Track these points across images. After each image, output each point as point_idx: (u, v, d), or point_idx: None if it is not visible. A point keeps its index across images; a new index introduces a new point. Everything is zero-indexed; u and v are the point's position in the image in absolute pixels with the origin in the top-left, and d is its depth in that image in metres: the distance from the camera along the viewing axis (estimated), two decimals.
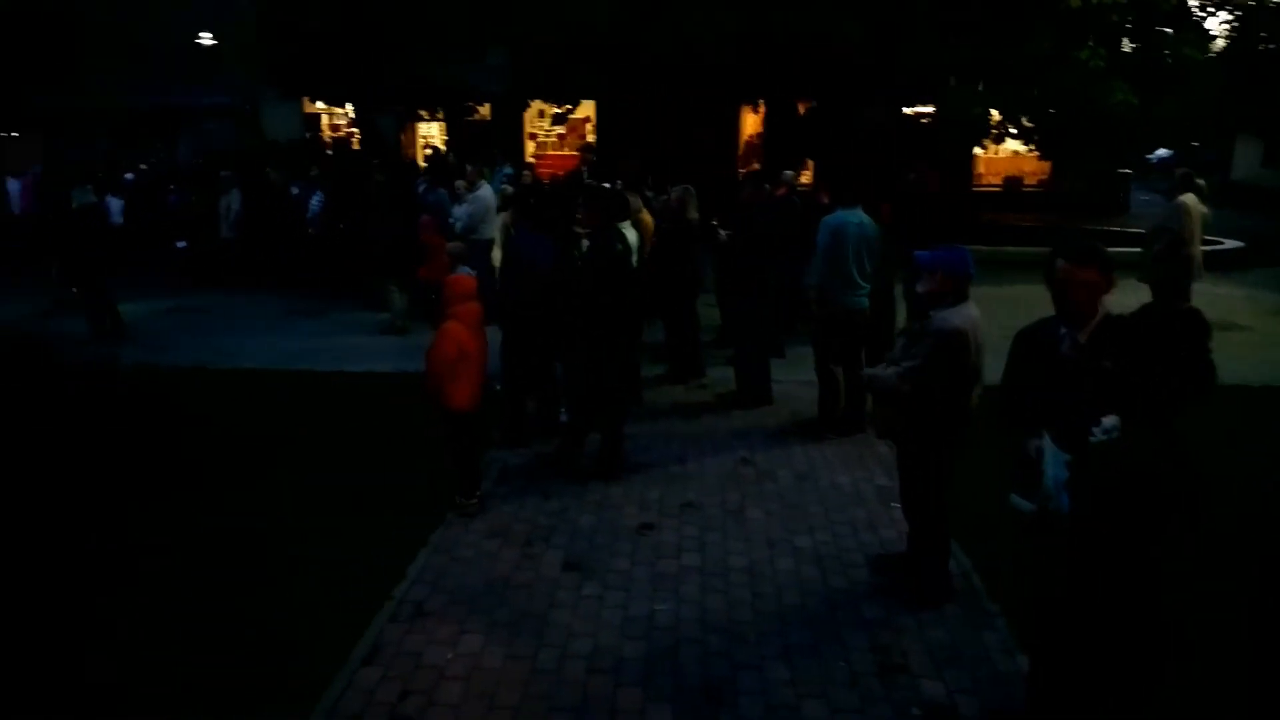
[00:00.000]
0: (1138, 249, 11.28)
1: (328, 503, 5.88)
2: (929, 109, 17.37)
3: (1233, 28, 21.14)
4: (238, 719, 3.90)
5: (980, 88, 14.97)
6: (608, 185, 9.95)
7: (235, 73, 20.06)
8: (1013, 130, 17.13)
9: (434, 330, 5.75)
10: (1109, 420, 3.03)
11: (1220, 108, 21.66)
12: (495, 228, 10.18)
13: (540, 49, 15.41)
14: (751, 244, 8.00)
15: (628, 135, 20.32)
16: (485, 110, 21.07)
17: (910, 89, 16.16)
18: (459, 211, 10.80)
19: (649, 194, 10.43)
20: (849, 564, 5.21)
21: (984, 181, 24.72)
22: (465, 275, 5.91)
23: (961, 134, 16.45)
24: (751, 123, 23.37)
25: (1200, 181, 10.68)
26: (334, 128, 25.28)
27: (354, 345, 10.20)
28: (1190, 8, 15.95)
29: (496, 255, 9.34)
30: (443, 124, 23.07)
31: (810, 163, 18.38)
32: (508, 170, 13.67)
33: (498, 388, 6.86)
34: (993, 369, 4.29)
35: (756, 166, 16.63)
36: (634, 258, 7.13)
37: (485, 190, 10.95)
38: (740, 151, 23.57)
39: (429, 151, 19.55)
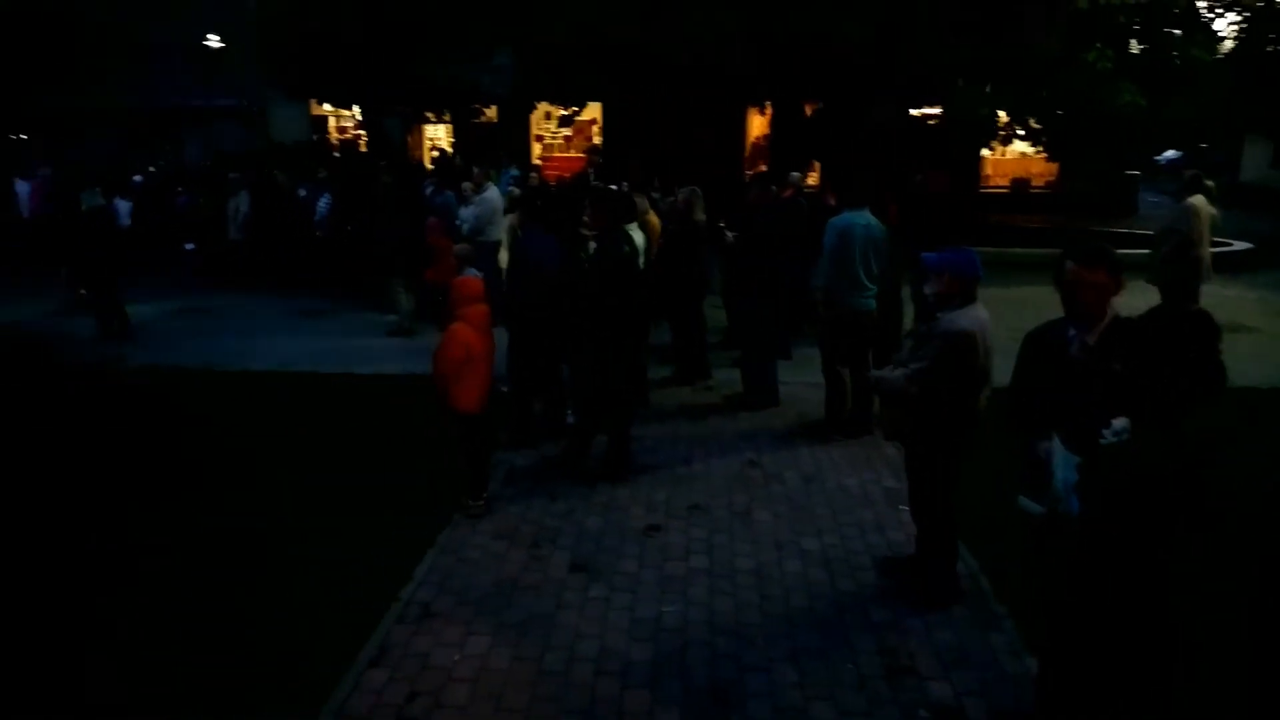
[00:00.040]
0: (1146, 251, 11.24)
1: (333, 503, 5.89)
2: (936, 110, 17.35)
3: (1241, 29, 21.04)
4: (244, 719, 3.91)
5: (988, 89, 14.94)
6: (614, 187, 9.97)
7: (242, 75, 20.13)
8: (1020, 131, 17.10)
9: (441, 332, 5.76)
10: (1119, 423, 3.03)
11: (1229, 109, 21.55)
12: (502, 229, 10.22)
13: (546, 51, 15.41)
14: (752, 244, 8.00)
15: (634, 137, 20.33)
16: (492, 112, 21.08)
17: (917, 90, 16.13)
18: (466, 213, 10.82)
19: (655, 195, 10.43)
20: (856, 566, 5.20)
21: (991, 183, 24.67)
22: (472, 277, 5.92)
23: (969, 135, 16.43)
24: (758, 124, 23.34)
25: (1209, 183, 10.63)
26: (341, 130, 25.34)
27: (361, 347, 10.22)
28: (1199, 9, 15.90)
29: (503, 257, 9.39)
30: (449, 126, 23.11)
31: (816, 164, 18.37)
32: (514, 172, 13.69)
33: (504, 389, 6.86)
34: (1000, 371, 4.29)
35: (763, 168, 16.64)
36: (641, 259, 7.13)
37: (492, 192, 10.97)
38: (746, 153, 23.57)
39: (436, 154, 19.59)
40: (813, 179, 17.63)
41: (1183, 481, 2.93)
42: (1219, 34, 17.22)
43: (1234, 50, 20.67)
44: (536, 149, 24.22)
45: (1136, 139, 16.65)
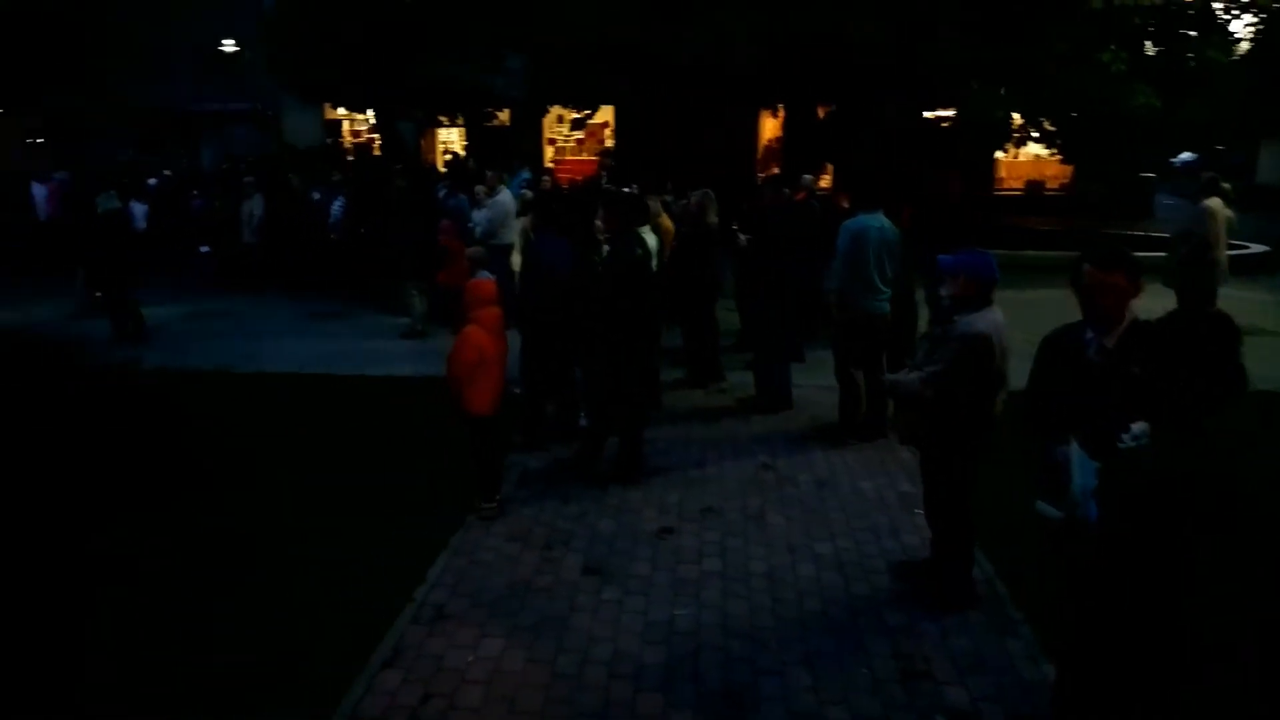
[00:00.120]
0: (1162, 253, 11.17)
1: (345, 505, 5.90)
2: (950, 112, 17.30)
3: (1258, 30, 20.90)
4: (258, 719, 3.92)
5: (1002, 91, 14.88)
6: (627, 190, 9.96)
7: (257, 79, 20.26)
8: (1034, 134, 17.02)
9: (454, 335, 5.76)
10: (1138, 427, 3.00)
11: (1245, 111, 21.43)
12: (515, 232, 10.23)
13: (558, 54, 15.45)
14: (763, 246, 7.98)
15: (646, 140, 20.35)
16: (504, 116, 21.16)
17: (931, 92, 16.09)
18: (479, 216, 10.85)
19: (668, 198, 10.43)
20: (871, 570, 5.17)
21: (1006, 185, 24.60)
22: (485, 280, 5.92)
23: (983, 137, 16.36)
24: (770, 126, 23.36)
25: (1226, 185, 10.57)
26: (355, 133, 25.49)
27: (374, 349, 10.25)
28: (1214, 10, 15.78)
29: (516, 260, 9.39)
30: (462, 130, 23.20)
31: (829, 167, 18.35)
32: (526, 175, 13.71)
33: (517, 391, 6.87)
34: (1016, 374, 4.26)
35: (776, 170, 16.62)
36: (653, 262, 7.13)
37: (505, 195, 10.99)
38: (759, 155, 23.56)
39: (449, 157, 19.68)
40: (825, 181, 17.60)
41: (1206, 486, 2.90)
42: (1235, 35, 17.08)
43: (1250, 52, 20.53)
44: (549, 152, 24.31)
45: (1151, 141, 16.56)
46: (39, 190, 15.84)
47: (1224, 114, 19.28)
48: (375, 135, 22.83)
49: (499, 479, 6.00)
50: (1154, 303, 4.30)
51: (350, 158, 21.95)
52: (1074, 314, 3.62)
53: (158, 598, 4.81)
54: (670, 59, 14.68)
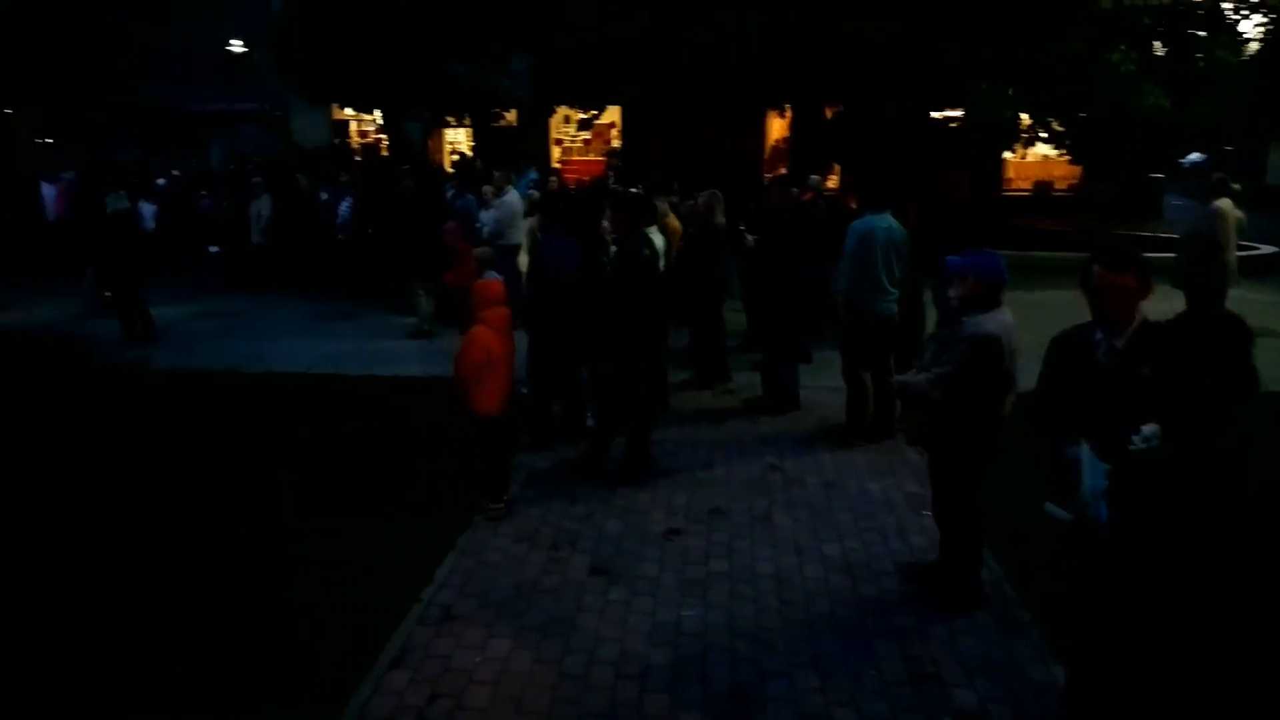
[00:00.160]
0: (1171, 254, 11.12)
1: (352, 505, 5.91)
2: (958, 113, 17.27)
3: (1267, 30, 20.78)
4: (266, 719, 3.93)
5: (1010, 91, 14.84)
6: (634, 190, 9.97)
7: (265, 79, 20.31)
8: (1043, 134, 16.97)
9: (461, 335, 5.77)
10: (1148, 428, 2.99)
11: (1254, 111, 21.29)
12: (522, 233, 10.25)
13: (560, 54, 15.46)
14: (770, 247, 7.97)
15: (653, 140, 20.35)
16: (511, 116, 21.18)
17: (939, 91, 16.05)
18: (486, 217, 10.86)
19: (675, 199, 10.43)
20: (879, 571, 5.16)
21: (1014, 186, 24.52)
22: (493, 280, 5.93)
23: (991, 138, 16.31)
24: (777, 127, 23.31)
25: (1235, 186, 10.53)
26: (362, 134, 25.53)
27: (381, 349, 10.27)
28: (1224, 10, 15.71)
29: (523, 260, 9.39)
30: (469, 130, 23.23)
31: (837, 167, 18.31)
32: (533, 175, 13.73)
33: (524, 392, 6.87)
34: (1024, 375, 4.25)
35: (783, 171, 16.60)
36: (660, 262, 7.13)
37: (512, 196, 11.00)
38: (766, 156, 23.54)
39: (456, 157, 19.71)
40: (833, 182, 17.57)
41: (1218, 486, 2.89)
42: (1244, 36, 17.00)
43: (1260, 52, 20.42)
44: (556, 152, 24.31)
45: (1161, 141, 16.46)
46: (48, 190, 15.92)
47: (1233, 114, 19.14)
48: (383, 136, 22.86)
49: (506, 479, 6.00)
50: (1163, 304, 4.27)
51: (358, 158, 22.00)
52: (1083, 315, 3.61)
53: (159, 598, 4.81)
54: (671, 59, 14.68)
